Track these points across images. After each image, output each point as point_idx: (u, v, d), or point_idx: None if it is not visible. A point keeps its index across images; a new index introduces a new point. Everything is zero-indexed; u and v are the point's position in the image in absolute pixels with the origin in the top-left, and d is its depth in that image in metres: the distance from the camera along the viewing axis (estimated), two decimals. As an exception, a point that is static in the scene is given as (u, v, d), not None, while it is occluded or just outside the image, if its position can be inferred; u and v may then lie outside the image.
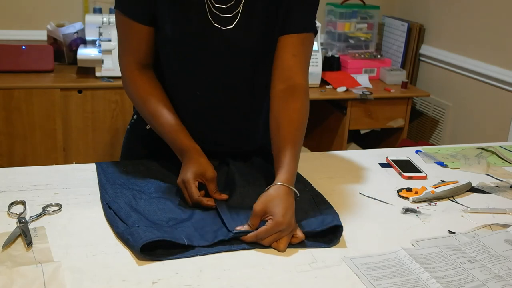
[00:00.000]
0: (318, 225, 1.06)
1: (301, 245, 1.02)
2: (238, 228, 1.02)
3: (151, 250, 0.95)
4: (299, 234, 1.02)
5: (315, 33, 1.28)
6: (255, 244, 1.01)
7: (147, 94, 1.24)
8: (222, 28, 1.19)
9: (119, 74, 1.32)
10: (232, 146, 1.34)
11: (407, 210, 1.18)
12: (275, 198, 1.04)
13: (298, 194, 1.10)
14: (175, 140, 1.21)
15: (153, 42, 1.24)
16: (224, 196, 1.15)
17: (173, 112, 1.24)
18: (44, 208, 1.09)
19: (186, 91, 1.27)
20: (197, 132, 1.28)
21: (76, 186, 1.20)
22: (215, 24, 1.19)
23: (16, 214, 1.06)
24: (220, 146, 1.32)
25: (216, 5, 1.18)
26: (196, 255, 0.96)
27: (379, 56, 3.38)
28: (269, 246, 1.01)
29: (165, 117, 1.22)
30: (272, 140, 1.20)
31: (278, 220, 1.00)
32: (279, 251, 1.00)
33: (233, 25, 1.19)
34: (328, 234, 1.04)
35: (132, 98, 1.28)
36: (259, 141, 1.40)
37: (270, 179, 1.23)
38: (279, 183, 1.07)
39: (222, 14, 1.19)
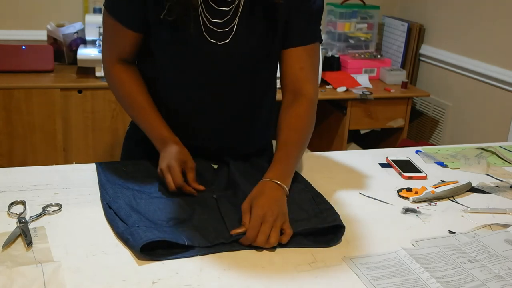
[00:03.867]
0: (319, 222, 1.06)
1: (301, 245, 1.02)
2: (235, 231, 1.01)
3: (151, 250, 0.95)
4: (287, 230, 1.01)
5: (321, 41, 1.28)
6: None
7: (131, 88, 1.26)
8: (218, 43, 1.19)
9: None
10: (231, 149, 1.33)
11: (407, 210, 1.18)
12: (259, 192, 1.06)
13: (287, 190, 1.11)
14: (156, 129, 1.24)
15: (140, 45, 1.24)
16: (201, 187, 1.17)
17: (155, 107, 1.26)
18: (44, 208, 1.09)
19: (184, 99, 1.27)
20: (196, 136, 1.29)
21: (76, 186, 1.20)
22: (211, 40, 1.18)
23: (16, 214, 1.06)
24: (219, 150, 1.32)
25: (212, 20, 1.17)
26: (196, 255, 0.96)
27: (379, 56, 3.38)
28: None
29: (147, 110, 1.25)
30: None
31: (257, 211, 1.00)
32: (270, 244, 0.98)
33: (229, 39, 1.19)
34: (329, 234, 1.04)
35: (115, 90, 1.29)
36: (258, 141, 1.40)
37: None
38: (265, 179, 1.10)
39: (218, 29, 1.18)
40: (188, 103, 1.27)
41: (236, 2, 1.17)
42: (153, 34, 1.20)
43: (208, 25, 1.17)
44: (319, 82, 3.07)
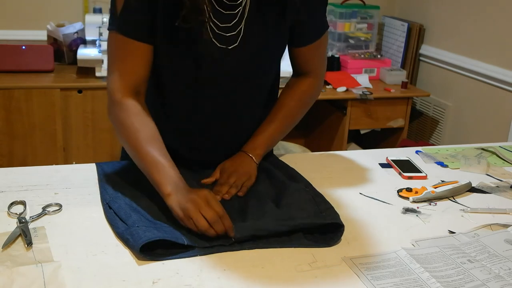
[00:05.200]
0: (319, 220, 1.06)
1: (301, 245, 1.02)
2: (205, 180, 1.23)
3: (151, 250, 0.95)
4: (244, 188, 1.19)
5: (328, 27, 1.30)
6: (255, 245, 1.01)
7: (139, 126, 1.13)
8: (228, 48, 1.16)
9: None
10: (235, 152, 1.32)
11: (407, 210, 1.18)
12: (230, 159, 1.27)
13: (255, 160, 1.26)
14: (168, 172, 1.07)
15: (152, 62, 1.17)
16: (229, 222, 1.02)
17: (164, 149, 1.13)
18: (44, 208, 1.09)
19: (194, 109, 1.24)
20: (202, 146, 1.28)
21: (76, 186, 1.21)
22: (220, 46, 1.16)
23: (16, 214, 1.06)
24: (225, 153, 1.30)
25: (220, 25, 1.15)
26: (196, 255, 0.96)
27: (379, 56, 3.38)
28: (269, 246, 1.01)
29: (155, 151, 1.10)
30: None
31: (224, 163, 1.23)
32: (243, 190, 1.17)
33: (238, 42, 1.17)
34: (328, 233, 1.04)
35: (120, 127, 1.16)
36: None
37: (274, 181, 1.23)
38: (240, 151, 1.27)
39: (226, 34, 1.16)
40: (198, 111, 1.24)
41: (243, 4, 1.15)
42: (160, 45, 1.16)
43: (217, 31, 1.15)
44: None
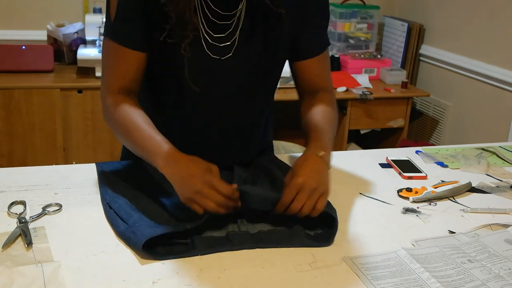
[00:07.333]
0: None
1: (302, 245, 1.02)
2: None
3: (152, 248, 0.95)
4: (319, 205, 1.02)
5: (329, 44, 1.29)
6: (255, 244, 1.01)
7: (131, 114, 1.13)
8: (222, 58, 1.16)
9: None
10: (232, 158, 1.32)
11: (407, 210, 1.18)
12: (301, 162, 1.07)
13: (328, 162, 1.10)
14: (155, 145, 1.07)
15: (145, 68, 1.17)
16: (234, 185, 1.03)
17: (154, 127, 1.12)
18: (44, 208, 1.09)
19: (189, 120, 1.24)
20: (199, 152, 1.27)
21: (76, 186, 1.21)
22: (213, 56, 1.15)
23: (16, 214, 1.06)
24: (221, 161, 1.30)
25: (214, 36, 1.14)
26: (196, 255, 0.97)
27: (379, 56, 3.38)
28: (269, 245, 1.01)
29: (146, 130, 1.10)
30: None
31: (296, 179, 1.01)
32: (301, 214, 1.01)
33: (231, 53, 1.16)
34: (325, 228, 1.05)
35: (113, 121, 1.16)
36: (259, 146, 1.38)
37: (274, 181, 1.22)
38: (306, 153, 1.10)
39: (220, 44, 1.15)
40: (194, 121, 1.24)
41: (238, 15, 1.14)
42: (155, 55, 1.16)
43: (210, 41, 1.14)
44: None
